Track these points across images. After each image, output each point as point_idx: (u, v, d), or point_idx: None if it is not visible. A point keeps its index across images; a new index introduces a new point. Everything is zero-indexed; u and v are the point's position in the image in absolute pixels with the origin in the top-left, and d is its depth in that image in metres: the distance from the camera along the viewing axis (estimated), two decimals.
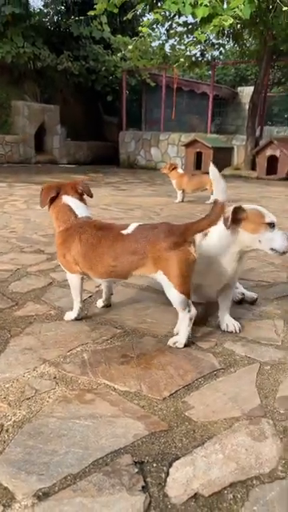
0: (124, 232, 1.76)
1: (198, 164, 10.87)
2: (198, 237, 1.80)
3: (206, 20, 7.61)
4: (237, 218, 1.78)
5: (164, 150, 13.02)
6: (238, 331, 1.88)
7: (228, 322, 1.92)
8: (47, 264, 2.83)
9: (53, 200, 1.93)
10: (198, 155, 10.89)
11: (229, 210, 1.74)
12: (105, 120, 16.04)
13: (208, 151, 10.61)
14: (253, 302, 2.24)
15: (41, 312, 2.07)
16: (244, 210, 1.80)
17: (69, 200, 1.93)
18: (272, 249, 1.81)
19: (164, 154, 13.02)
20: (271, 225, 1.79)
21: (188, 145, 11.13)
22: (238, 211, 1.78)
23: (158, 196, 6.81)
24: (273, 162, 10.11)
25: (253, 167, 10.83)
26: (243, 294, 2.27)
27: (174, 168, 6.11)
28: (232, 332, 1.88)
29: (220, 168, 8.91)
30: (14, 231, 3.83)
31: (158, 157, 13.15)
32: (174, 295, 1.69)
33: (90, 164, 14.09)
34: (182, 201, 6.13)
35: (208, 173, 1.77)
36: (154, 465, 1.10)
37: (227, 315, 1.94)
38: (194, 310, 1.71)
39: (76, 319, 1.97)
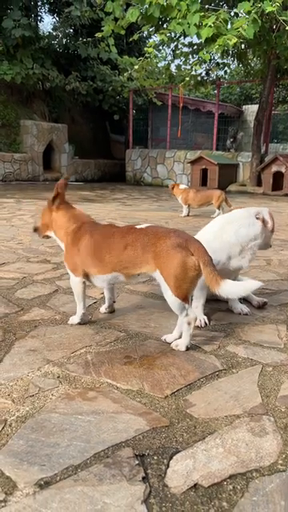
0: (137, 227, 1.84)
1: (204, 181, 10.97)
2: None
3: (210, 40, 7.81)
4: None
5: (170, 168, 13.18)
6: (249, 313, 2.20)
7: (241, 306, 2.22)
8: (53, 273, 2.87)
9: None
10: (204, 172, 11.00)
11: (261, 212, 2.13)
12: (112, 138, 16.33)
13: (213, 168, 10.72)
14: (263, 305, 2.32)
15: (46, 317, 2.09)
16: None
17: (72, 205, 2.08)
18: None
19: (170, 171, 13.18)
20: None
21: (194, 162, 11.25)
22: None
23: (164, 210, 6.88)
24: (278, 178, 10.18)
25: (258, 183, 10.92)
26: (257, 299, 2.37)
27: (176, 186, 6.32)
28: (247, 314, 2.18)
29: (225, 184, 9.04)
30: (21, 243, 3.88)
31: (164, 174, 13.31)
32: (169, 298, 1.71)
33: (98, 181, 14.29)
34: (188, 215, 6.19)
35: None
36: (155, 457, 1.11)
37: (237, 301, 2.23)
38: (192, 315, 1.72)
39: (79, 324, 1.99)
